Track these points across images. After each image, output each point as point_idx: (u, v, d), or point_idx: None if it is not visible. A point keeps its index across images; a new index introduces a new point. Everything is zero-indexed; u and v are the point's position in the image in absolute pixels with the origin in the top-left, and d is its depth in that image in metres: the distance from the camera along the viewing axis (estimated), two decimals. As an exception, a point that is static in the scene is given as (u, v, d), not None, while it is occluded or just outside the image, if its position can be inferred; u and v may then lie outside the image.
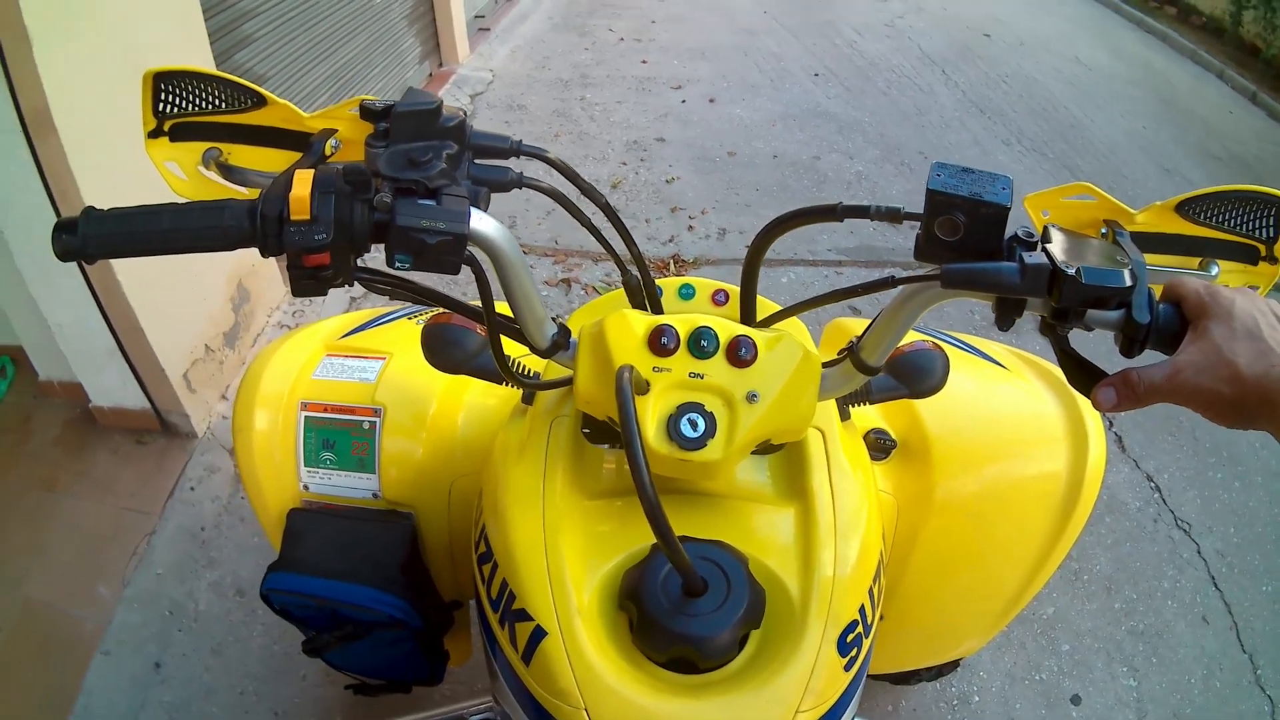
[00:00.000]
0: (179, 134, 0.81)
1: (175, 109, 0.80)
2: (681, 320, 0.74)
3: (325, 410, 1.12)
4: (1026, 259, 0.60)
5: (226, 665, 1.85)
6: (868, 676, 1.70)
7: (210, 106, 0.81)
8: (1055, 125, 4.77)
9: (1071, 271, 0.58)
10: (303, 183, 0.60)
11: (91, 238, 0.60)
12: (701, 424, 0.70)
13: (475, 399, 1.21)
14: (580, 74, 4.97)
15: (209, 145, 0.82)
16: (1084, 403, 1.18)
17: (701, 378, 0.72)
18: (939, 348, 0.91)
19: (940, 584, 1.22)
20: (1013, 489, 1.17)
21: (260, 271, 2.59)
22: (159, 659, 1.85)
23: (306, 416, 1.12)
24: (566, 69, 5.04)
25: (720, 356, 0.73)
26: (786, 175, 3.97)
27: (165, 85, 0.79)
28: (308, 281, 0.61)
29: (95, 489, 2.21)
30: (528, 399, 0.94)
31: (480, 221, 0.64)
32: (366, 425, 1.11)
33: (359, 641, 1.13)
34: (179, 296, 2.21)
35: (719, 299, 0.98)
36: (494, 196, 0.75)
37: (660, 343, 0.73)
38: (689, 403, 0.71)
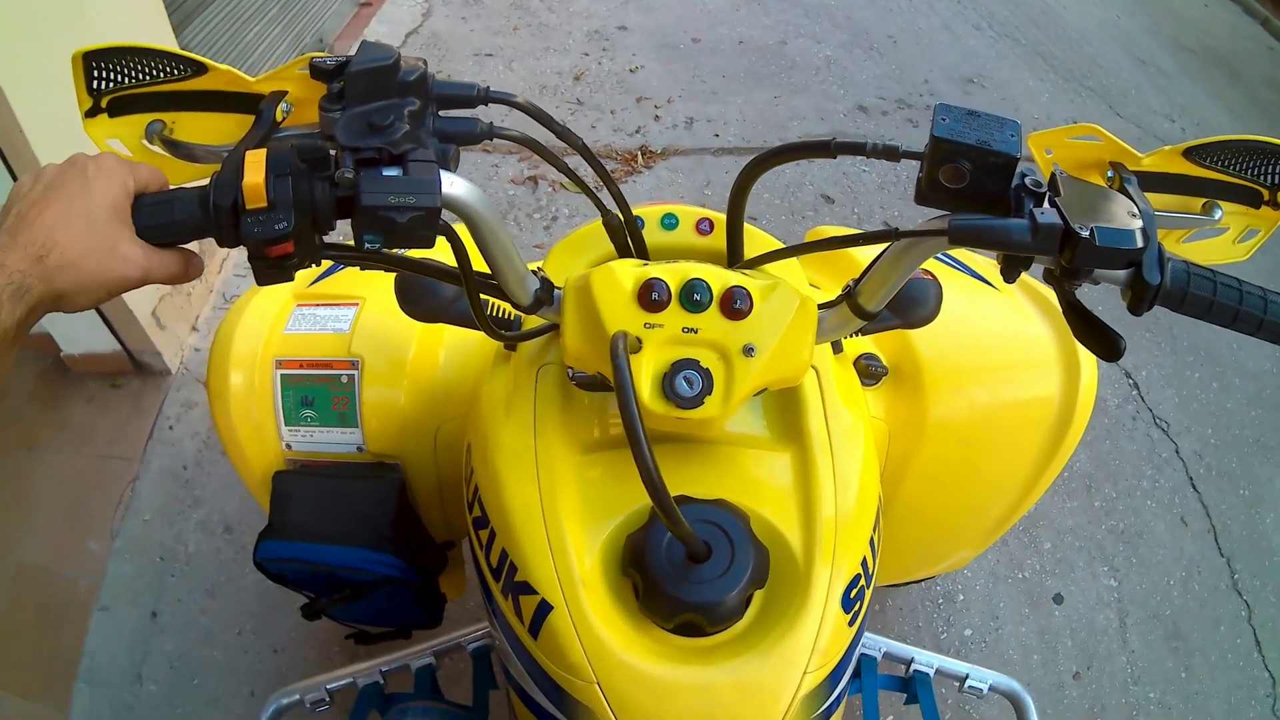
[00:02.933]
0: (118, 108, 0.76)
1: (111, 84, 0.74)
2: (672, 272, 0.71)
3: (301, 366, 1.09)
4: (1039, 217, 0.58)
5: (222, 606, 1.86)
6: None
7: (148, 78, 0.75)
8: (1027, 11, 4.66)
9: (1085, 234, 0.56)
10: (255, 167, 0.55)
11: None
12: (698, 381, 0.68)
13: (455, 338, 1.17)
14: (535, -37, 4.74)
15: (152, 117, 0.77)
16: None
17: (695, 332, 0.70)
18: (932, 275, 0.89)
19: (932, 504, 1.23)
20: (1005, 413, 1.17)
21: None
22: (155, 608, 1.85)
23: (282, 375, 1.09)
24: (522, -42, 4.80)
25: (714, 309, 0.70)
26: (753, 61, 3.86)
27: (97, 63, 0.73)
28: (272, 271, 0.57)
29: (74, 440, 2.18)
30: (511, 346, 0.91)
31: (452, 186, 0.60)
32: (345, 379, 1.08)
33: (358, 601, 1.13)
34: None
35: (703, 228, 0.94)
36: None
37: (651, 298, 0.69)
38: (683, 359, 0.69)
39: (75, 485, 2.09)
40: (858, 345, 1.15)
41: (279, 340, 1.12)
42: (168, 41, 2.34)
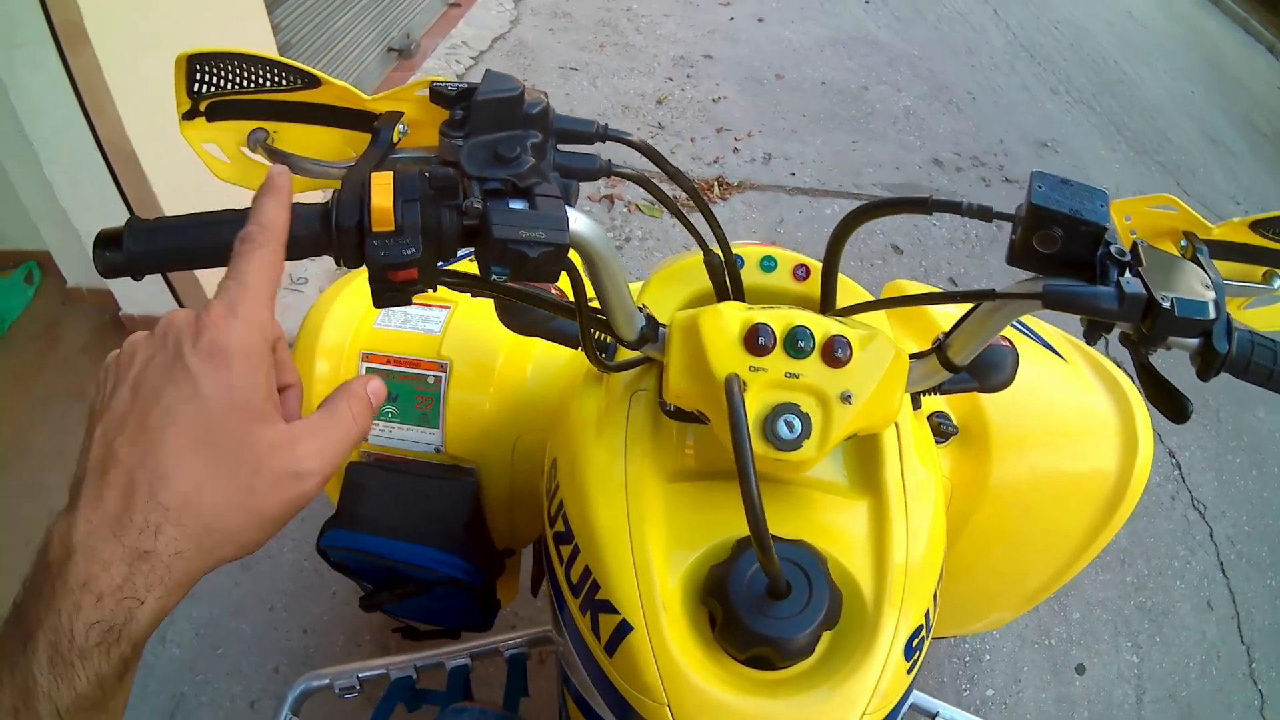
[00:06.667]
0: (217, 113, 0.73)
1: (212, 88, 0.71)
2: (776, 318, 0.73)
3: (389, 363, 1.10)
4: (1125, 286, 0.61)
5: (256, 581, 1.87)
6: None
7: (254, 86, 0.72)
8: (1104, 79, 4.67)
9: (1166, 304, 0.60)
10: (383, 190, 0.53)
11: (139, 256, 0.53)
12: (798, 425, 0.70)
13: (544, 353, 1.18)
14: (626, -17, 4.82)
15: (254, 125, 0.74)
16: (1136, 402, 1.19)
17: (797, 377, 0.71)
18: (1010, 343, 0.91)
19: (980, 563, 1.23)
20: (1063, 482, 1.17)
21: (291, 182, 2.55)
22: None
23: (368, 368, 1.11)
24: (612, -23, 4.88)
25: (816, 356, 0.72)
26: (834, 103, 3.89)
27: (201, 67, 0.71)
28: (392, 294, 0.56)
29: (124, 398, 2.20)
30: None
31: (576, 222, 0.60)
32: (432, 380, 1.10)
33: (417, 597, 1.14)
34: (214, 205, 2.15)
35: (799, 274, 0.96)
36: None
37: (757, 342, 0.71)
38: (785, 403, 0.71)
39: (121, 441, 2.10)
40: (931, 402, 1.16)
41: (367, 334, 1.13)
42: (259, 19, 2.38)
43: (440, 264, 0.57)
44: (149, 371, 0.43)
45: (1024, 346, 1.27)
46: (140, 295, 2.23)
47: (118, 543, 0.39)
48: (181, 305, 2.19)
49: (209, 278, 2.17)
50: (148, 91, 1.84)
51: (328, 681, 1.21)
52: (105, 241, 0.53)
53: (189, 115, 0.72)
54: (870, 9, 4.99)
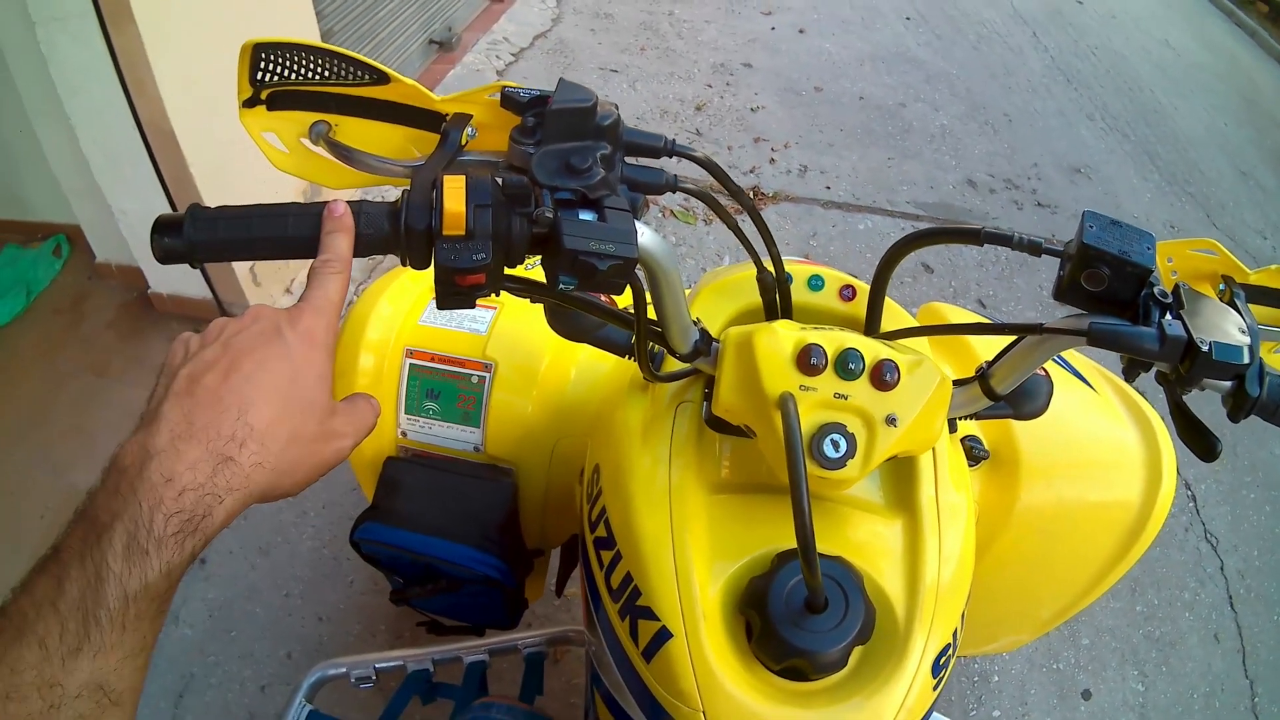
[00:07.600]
0: (278, 102, 0.72)
1: (276, 78, 0.70)
2: (829, 339, 0.74)
3: (432, 360, 1.11)
4: (1167, 328, 0.63)
5: (273, 565, 1.88)
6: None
7: (319, 79, 0.71)
8: (1139, 107, 4.65)
9: (1205, 348, 0.61)
10: (455, 195, 0.53)
11: (201, 244, 0.54)
12: (844, 445, 0.71)
13: (588, 358, 1.19)
14: (670, -13, 4.83)
15: (317, 117, 0.73)
16: (1162, 435, 1.19)
17: (845, 398, 0.72)
18: (1046, 372, 0.92)
19: (996, 586, 1.24)
20: (1087, 511, 1.18)
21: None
22: (205, 555, 1.85)
23: (411, 364, 1.11)
24: (656, -19, 4.89)
25: (865, 379, 0.73)
26: (871, 119, 3.89)
27: (267, 55, 0.70)
28: (457, 298, 0.56)
29: (148, 375, 2.14)
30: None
31: (643, 236, 0.60)
32: (475, 380, 1.10)
33: (447, 594, 1.14)
34: (252, 191, 2.15)
35: (846, 294, 0.98)
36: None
37: (809, 362, 0.72)
38: (832, 423, 0.72)
39: (142, 420, 2.10)
40: (963, 426, 1.17)
41: (412, 329, 1.14)
42: (304, 4, 2.39)
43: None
44: (244, 336, 0.50)
45: (1056, 375, 1.28)
46: (171, 273, 2.23)
47: (203, 447, 0.45)
48: (211, 285, 2.21)
49: (242, 264, 2.17)
50: (190, 71, 1.85)
51: (344, 670, 1.22)
52: (165, 227, 0.53)
53: (249, 103, 0.73)
54: (911, 26, 5.00)
